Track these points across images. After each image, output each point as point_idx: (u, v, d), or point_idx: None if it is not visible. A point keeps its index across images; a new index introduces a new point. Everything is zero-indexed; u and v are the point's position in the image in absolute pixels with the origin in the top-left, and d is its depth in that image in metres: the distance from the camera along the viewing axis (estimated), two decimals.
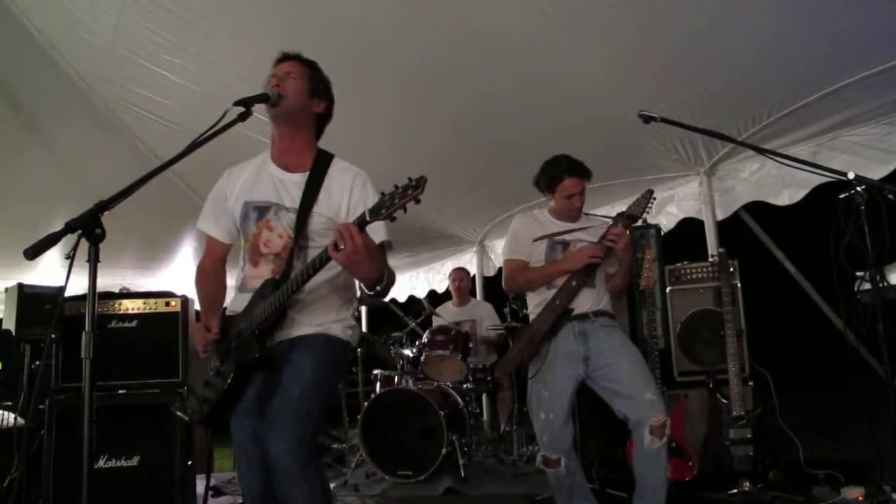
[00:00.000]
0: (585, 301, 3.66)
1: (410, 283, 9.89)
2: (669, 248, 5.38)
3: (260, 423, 2.49)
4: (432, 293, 9.34)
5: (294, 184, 2.65)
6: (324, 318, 2.61)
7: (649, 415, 3.35)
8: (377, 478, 5.55)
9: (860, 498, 3.91)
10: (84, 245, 1.94)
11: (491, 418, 7.72)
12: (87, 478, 1.93)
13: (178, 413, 2.75)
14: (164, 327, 4.35)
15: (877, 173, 4.54)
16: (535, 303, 3.79)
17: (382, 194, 2.19)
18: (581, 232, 3.76)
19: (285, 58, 2.72)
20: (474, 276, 8.37)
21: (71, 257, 1.93)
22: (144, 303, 4.39)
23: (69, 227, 1.92)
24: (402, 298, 9.80)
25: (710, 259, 5.04)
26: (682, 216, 5.97)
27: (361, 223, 2.21)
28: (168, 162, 2.31)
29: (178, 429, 4.15)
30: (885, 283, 3.21)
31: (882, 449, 3.72)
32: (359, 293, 3.33)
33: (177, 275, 8.02)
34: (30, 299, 4.72)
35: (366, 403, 5.67)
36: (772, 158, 3.37)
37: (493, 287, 8.29)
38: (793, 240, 5.97)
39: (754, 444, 4.19)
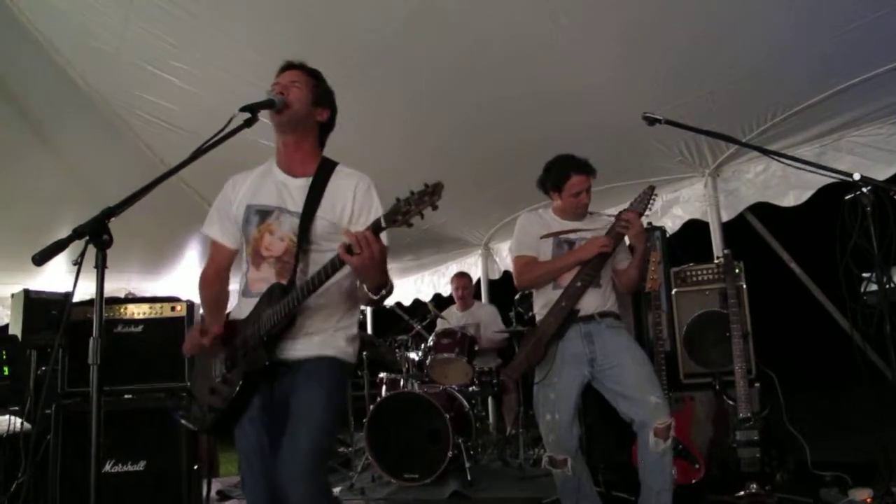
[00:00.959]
0: (591, 302, 3.66)
1: (415, 287, 9.89)
2: (675, 250, 5.37)
3: (266, 438, 2.50)
4: (437, 296, 9.34)
5: (297, 188, 2.65)
6: (328, 324, 2.60)
7: (654, 418, 3.36)
8: (383, 481, 5.55)
9: (868, 500, 3.89)
10: (91, 251, 1.94)
11: (497, 421, 7.71)
12: (94, 482, 1.94)
13: (183, 422, 2.73)
14: (169, 332, 4.37)
15: (882, 174, 4.53)
16: (541, 304, 3.79)
17: (398, 200, 2.18)
18: (586, 231, 3.76)
19: (289, 66, 2.72)
20: (479, 279, 8.38)
21: (79, 263, 1.93)
22: (150, 307, 4.40)
23: (77, 234, 1.92)
24: (407, 302, 9.81)
25: (716, 261, 5.03)
26: (687, 218, 5.97)
27: (377, 228, 2.22)
28: (175, 168, 2.31)
29: (183, 433, 4.16)
30: (892, 284, 3.19)
31: (890, 450, 3.72)
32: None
33: (182, 279, 8.04)
34: (36, 305, 4.72)
35: (371, 407, 5.67)
36: (777, 160, 3.37)
37: (498, 290, 8.30)
38: (798, 241, 5.96)
39: (761, 446, 4.17)
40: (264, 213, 2.65)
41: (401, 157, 5.09)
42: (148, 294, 7.15)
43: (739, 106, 4.64)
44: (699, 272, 4.97)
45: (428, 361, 6.06)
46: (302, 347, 2.55)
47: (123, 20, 4.15)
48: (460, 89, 4.69)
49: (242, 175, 2.80)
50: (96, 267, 1.96)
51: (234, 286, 2.82)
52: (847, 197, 3.05)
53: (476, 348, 6.16)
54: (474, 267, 8.50)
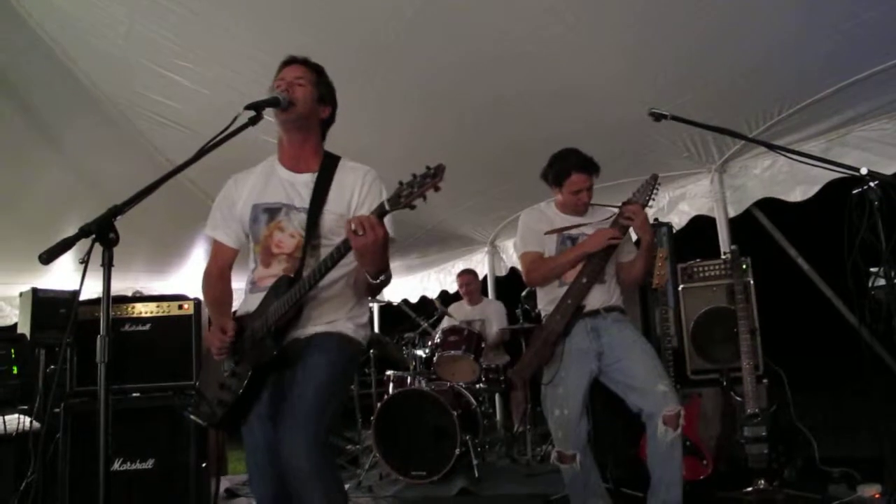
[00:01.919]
0: (597, 297, 3.67)
1: (422, 284, 9.90)
2: (681, 247, 5.36)
3: (275, 432, 2.48)
4: (444, 293, 9.34)
5: (303, 184, 2.66)
6: (338, 315, 2.61)
7: (662, 406, 3.36)
8: (391, 479, 5.56)
9: (876, 496, 3.88)
10: (98, 249, 1.95)
11: (504, 418, 7.72)
12: (103, 481, 1.94)
13: (192, 417, 2.73)
14: (177, 330, 4.38)
15: (890, 168, 4.52)
16: (547, 300, 3.79)
17: (400, 183, 2.19)
18: (588, 227, 3.76)
19: (292, 61, 2.71)
20: (485, 276, 8.38)
21: (85, 262, 1.94)
22: (158, 306, 4.41)
23: (83, 232, 1.93)
24: (413, 299, 9.82)
25: (723, 257, 5.02)
26: (693, 214, 5.96)
27: (381, 213, 2.22)
28: (180, 166, 2.32)
29: (191, 431, 4.17)
30: None
31: None
32: None
33: (189, 278, 8.05)
34: (44, 303, 4.75)
35: (379, 404, 5.67)
36: (783, 155, 3.35)
37: (505, 287, 8.31)
38: (805, 236, 5.94)
39: (769, 442, 4.16)
40: (273, 212, 2.65)
41: (405, 154, 5.06)
42: (155, 292, 7.16)
43: (746, 101, 4.63)
44: (706, 268, 4.96)
45: (435, 359, 6.06)
46: (311, 330, 2.56)
47: (128, 19, 4.15)
48: (465, 87, 4.68)
49: (244, 174, 2.81)
50: (103, 265, 1.97)
51: (237, 284, 2.82)
52: (854, 192, 3.03)
53: (482, 345, 6.16)
54: (481, 264, 8.50)
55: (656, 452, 3.40)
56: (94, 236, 1.94)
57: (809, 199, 5.11)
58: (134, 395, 4.24)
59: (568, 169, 3.72)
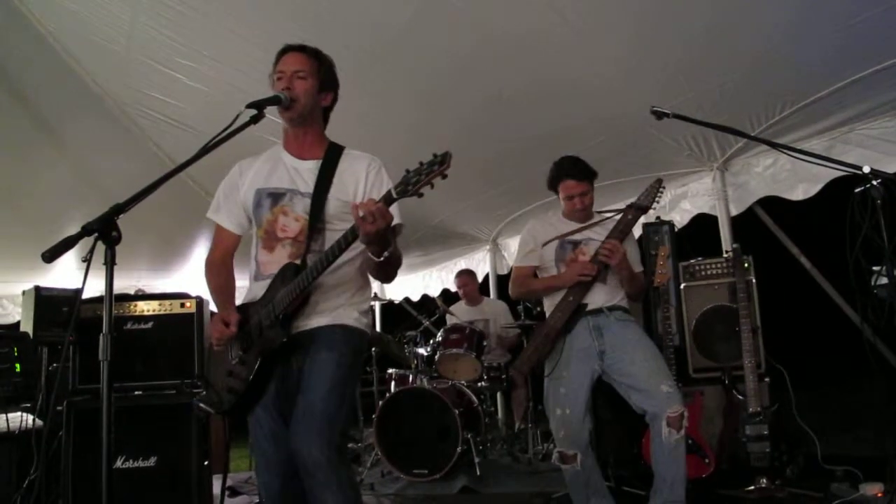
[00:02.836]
0: (600, 296, 3.68)
1: (424, 282, 9.90)
2: (683, 245, 5.36)
3: (281, 425, 2.51)
4: (445, 292, 9.34)
5: (308, 170, 2.68)
6: (341, 300, 2.63)
7: (666, 407, 3.37)
8: (392, 477, 5.57)
9: (879, 494, 3.88)
10: (100, 247, 1.95)
11: (506, 416, 7.72)
12: (106, 478, 1.95)
13: (202, 405, 2.74)
14: (179, 328, 4.39)
15: (892, 166, 4.49)
16: (550, 301, 3.80)
17: (407, 171, 2.20)
18: (590, 231, 3.77)
19: (290, 49, 2.69)
20: (486, 274, 8.38)
21: (88, 260, 1.94)
22: (160, 304, 4.42)
23: (86, 231, 1.93)
24: (415, 297, 9.83)
25: (725, 255, 5.02)
26: (695, 212, 5.95)
27: (388, 199, 2.23)
28: (182, 165, 2.32)
29: (194, 429, 4.17)
30: None
31: None
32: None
33: (192, 276, 8.06)
34: (47, 302, 4.74)
35: (381, 402, 5.68)
36: (786, 153, 3.35)
37: (507, 285, 8.30)
38: (808, 235, 5.93)
39: (771, 441, 4.16)
40: (277, 196, 2.67)
41: (407, 152, 5.03)
42: (157, 291, 7.17)
43: (748, 99, 4.61)
44: (708, 266, 4.96)
45: (437, 357, 6.07)
46: (316, 321, 2.57)
47: (131, 18, 4.15)
48: (467, 84, 4.68)
49: (249, 160, 2.82)
50: (105, 264, 1.97)
51: (238, 284, 2.82)
52: (857, 190, 3.03)
53: (485, 344, 6.16)
54: (482, 262, 8.50)
55: (660, 453, 3.40)
56: (96, 234, 1.94)
57: (812, 197, 5.09)
58: (136, 393, 4.25)
59: (559, 175, 3.77)
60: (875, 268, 3.28)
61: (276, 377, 2.55)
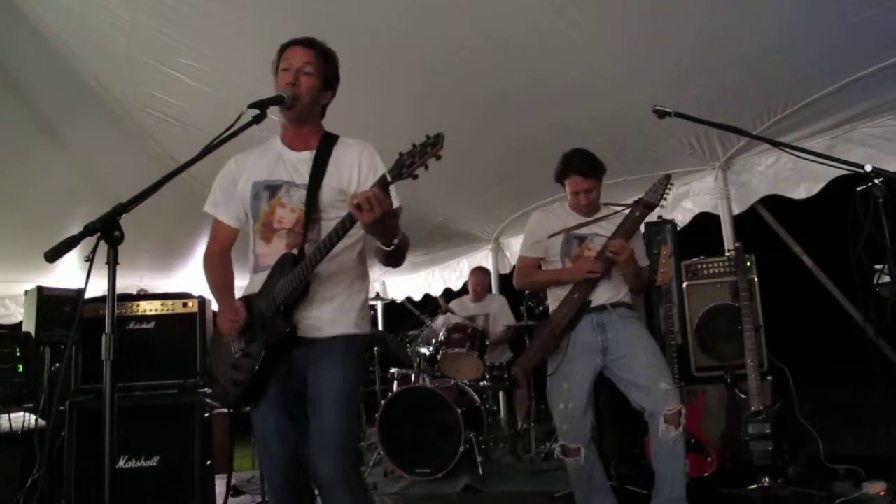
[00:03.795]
0: (603, 293, 3.69)
1: (426, 282, 9.91)
2: (685, 244, 5.36)
3: (285, 420, 2.54)
4: (448, 291, 9.35)
5: (303, 161, 2.68)
6: (342, 289, 2.63)
7: (664, 404, 3.39)
8: (395, 476, 5.57)
9: (882, 493, 3.88)
10: (103, 247, 1.95)
11: (508, 416, 7.72)
12: (109, 478, 1.95)
13: (209, 400, 2.76)
14: (181, 328, 4.39)
15: (894, 165, 4.49)
16: (555, 296, 3.82)
17: (401, 154, 2.18)
18: (596, 225, 3.77)
19: (299, 42, 2.67)
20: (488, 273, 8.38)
21: (90, 260, 1.94)
22: (162, 304, 4.42)
23: (88, 231, 1.93)
24: (417, 297, 9.83)
25: (727, 254, 5.01)
26: (697, 211, 5.95)
27: (383, 184, 2.22)
28: (184, 164, 2.32)
29: (197, 429, 4.18)
30: None
31: None
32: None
33: (194, 276, 8.06)
34: (49, 301, 4.75)
35: (383, 402, 5.69)
36: (788, 152, 3.34)
37: (509, 284, 8.29)
38: (810, 233, 5.92)
39: (773, 440, 4.16)
40: (273, 188, 2.67)
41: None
42: (160, 290, 7.17)
43: (750, 98, 4.61)
44: (710, 265, 4.96)
45: (439, 356, 6.07)
46: (317, 317, 2.56)
47: (132, 18, 4.15)
48: (468, 83, 4.67)
49: (244, 154, 2.81)
50: (108, 263, 1.97)
51: (239, 283, 2.82)
52: (859, 188, 3.02)
53: (486, 342, 6.16)
54: (485, 261, 8.50)
55: (659, 450, 3.42)
56: (98, 234, 1.94)
57: (814, 195, 5.09)
58: (138, 392, 4.25)
59: (566, 170, 3.76)
60: (877, 266, 3.27)
61: (280, 372, 2.55)
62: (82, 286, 2.06)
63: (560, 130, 4.97)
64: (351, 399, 2.54)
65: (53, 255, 1.86)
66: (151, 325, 4.37)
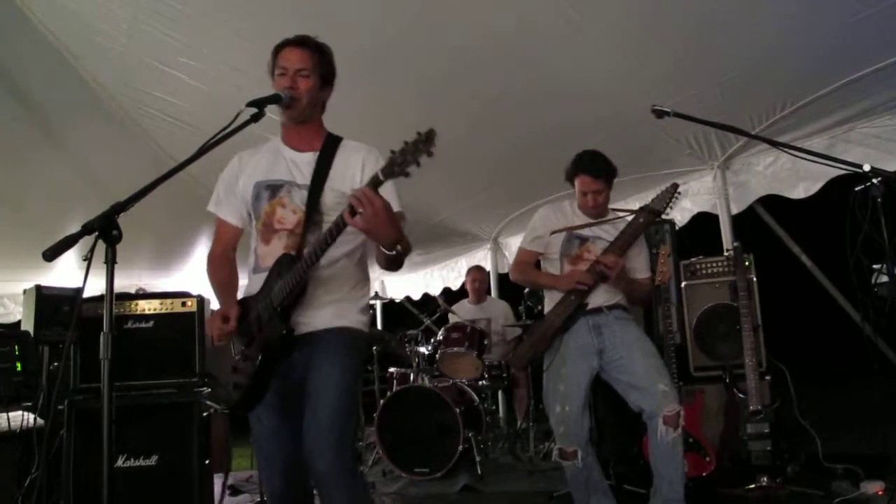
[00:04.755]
0: (600, 295, 3.68)
1: (425, 281, 9.90)
2: (684, 243, 5.36)
3: (282, 421, 2.53)
4: (447, 290, 9.35)
5: (306, 162, 2.66)
6: (342, 294, 2.62)
7: (663, 406, 3.38)
8: (394, 475, 5.57)
9: (880, 492, 3.88)
10: (101, 246, 1.95)
11: (507, 415, 7.72)
12: (107, 477, 1.95)
13: (210, 403, 2.75)
14: (180, 327, 4.38)
15: (893, 165, 4.49)
16: (552, 296, 3.81)
17: (392, 152, 2.17)
18: (600, 228, 3.77)
19: (291, 44, 2.65)
20: (488, 273, 8.37)
21: (88, 259, 1.94)
22: (161, 303, 4.41)
23: (86, 229, 1.93)
24: (416, 296, 9.83)
25: (726, 253, 5.02)
26: (696, 211, 5.95)
27: (376, 183, 2.20)
28: (182, 163, 2.31)
29: (195, 428, 4.17)
30: None
31: None
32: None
33: (193, 275, 8.07)
34: (48, 301, 4.74)
35: (382, 401, 5.69)
36: (786, 152, 3.34)
37: (508, 284, 8.28)
38: (808, 233, 5.93)
39: (772, 439, 4.17)
40: (275, 188, 2.66)
41: None
42: (158, 289, 7.17)
43: (748, 97, 4.61)
44: (709, 265, 4.96)
45: (438, 356, 6.07)
46: (315, 318, 2.55)
47: (131, 18, 4.15)
48: (467, 83, 4.68)
49: (249, 152, 2.80)
50: (106, 262, 1.97)
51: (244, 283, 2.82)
52: (857, 188, 3.03)
53: (486, 342, 6.16)
54: (483, 261, 8.50)
55: (658, 451, 3.42)
56: (97, 233, 1.94)
57: (812, 195, 5.10)
58: (137, 391, 4.25)
59: (575, 170, 3.76)
60: (875, 266, 3.27)
61: (278, 373, 2.53)
62: (81, 285, 2.06)
63: (559, 130, 4.98)
64: (349, 393, 2.51)
65: (52, 254, 1.86)
66: (150, 324, 4.36)
